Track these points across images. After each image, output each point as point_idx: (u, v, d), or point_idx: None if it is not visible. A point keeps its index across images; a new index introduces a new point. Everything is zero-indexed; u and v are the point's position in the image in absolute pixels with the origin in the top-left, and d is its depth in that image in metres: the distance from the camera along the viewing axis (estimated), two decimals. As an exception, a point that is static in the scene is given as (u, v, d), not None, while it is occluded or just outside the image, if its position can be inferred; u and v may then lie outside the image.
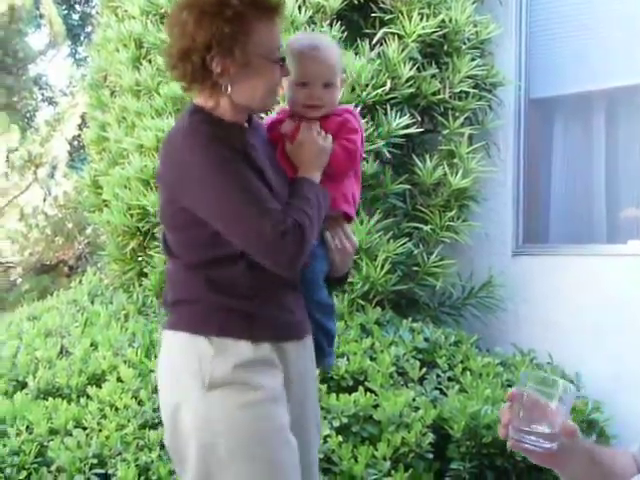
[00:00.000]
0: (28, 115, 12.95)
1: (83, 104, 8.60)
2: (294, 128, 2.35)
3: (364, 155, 2.49)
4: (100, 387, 4.23)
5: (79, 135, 11.98)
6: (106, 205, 5.39)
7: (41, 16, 12.44)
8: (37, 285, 9.94)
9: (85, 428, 3.98)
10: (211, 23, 2.10)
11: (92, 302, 5.54)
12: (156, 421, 3.81)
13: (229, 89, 2.16)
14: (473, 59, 5.05)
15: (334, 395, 3.91)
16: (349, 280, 2.57)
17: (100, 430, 3.94)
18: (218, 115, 2.22)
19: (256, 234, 2.11)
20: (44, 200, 10.94)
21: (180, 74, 2.20)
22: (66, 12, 16.01)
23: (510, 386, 4.31)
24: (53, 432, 4.01)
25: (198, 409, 2.15)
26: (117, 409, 4.03)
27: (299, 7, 4.82)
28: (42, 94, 14.83)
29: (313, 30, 4.78)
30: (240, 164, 2.13)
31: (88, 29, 16.09)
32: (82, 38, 16.62)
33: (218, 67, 2.14)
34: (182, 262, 2.25)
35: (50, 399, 4.25)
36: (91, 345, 4.70)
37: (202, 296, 2.20)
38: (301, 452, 2.24)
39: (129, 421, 3.92)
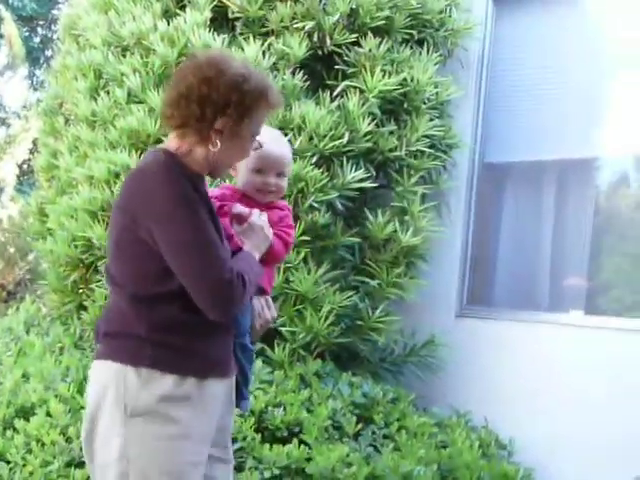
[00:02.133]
0: (-21, 135, 12.76)
1: (36, 129, 8.49)
2: (246, 213, 2.56)
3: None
4: (28, 420, 4.12)
5: (29, 160, 11.85)
6: (50, 234, 5.29)
7: (1, 36, 12.32)
8: (-28, 308, 9.70)
9: (9, 462, 3.88)
10: (239, 87, 2.27)
11: (27, 332, 5.41)
12: (83, 460, 3.70)
13: (218, 146, 2.30)
14: (432, 119, 5.10)
15: (267, 445, 3.86)
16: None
17: (24, 465, 3.85)
18: (186, 161, 2.33)
19: (206, 276, 2.21)
20: (-12, 222, 10.73)
21: (179, 114, 2.29)
22: (27, 34, 15.90)
23: (444, 447, 4.30)
24: (-25, 464, 3.89)
25: (119, 435, 2.25)
26: (44, 444, 3.93)
27: (263, 52, 4.83)
28: (-5, 115, 14.65)
29: (275, 77, 4.80)
30: (202, 208, 2.24)
31: (48, 53, 16.00)
32: (42, 62, 16.49)
33: (220, 125, 2.29)
34: (124, 293, 2.32)
35: (-25, 430, 4.13)
36: (23, 376, 4.58)
37: (136, 330, 2.28)
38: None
39: (55, 458, 3.83)
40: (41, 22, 16.76)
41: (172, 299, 2.26)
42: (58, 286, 5.31)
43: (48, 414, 4.13)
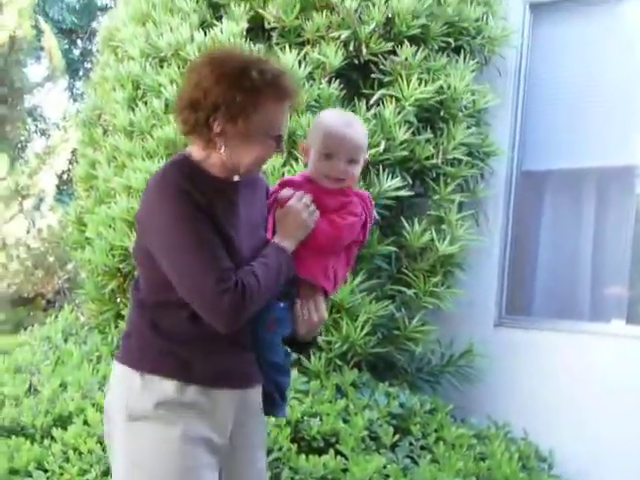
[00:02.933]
0: (19, 146, 12.92)
1: (75, 140, 8.58)
2: (288, 196, 2.42)
3: (364, 241, 2.53)
4: (65, 429, 4.13)
5: (69, 170, 11.98)
6: (89, 243, 5.33)
7: (42, 48, 12.48)
8: (13, 317, 9.83)
9: (46, 470, 3.89)
10: (227, 87, 2.20)
11: (65, 340, 5.45)
12: (120, 469, 3.71)
13: (222, 149, 2.26)
14: (468, 127, 5.07)
15: (304, 456, 3.84)
16: (317, 344, 2.66)
17: (62, 474, 3.85)
18: (206, 166, 2.30)
19: (197, 288, 2.19)
20: (28, 232, 10.86)
21: (183, 121, 2.29)
22: (67, 46, 16.09)
23: (483, 460, 4.25)
24: (13, 472, 3.92)
25: (122, 438, 2.29)
26: (81, 453, 3.94)
27: (299, 62, 4.83)
28: (36, 126, 14.84)
29: (311, 86, 4.80)
30: (199, 221, 2.20)
31: (88, 65, 16.18)
32: (81, 74, 16.69)
33: (218, 128, 2.24)
34: (137, 299, 2.36)
35: (14, 437, 4.16)
36: (60, 385, 4.61)
37: (144, 334, 2.31)
38: None
39: (92, 467, 3.84)
40: (81, 35, 16.97)
41: (179, 308, 2.25)
42: (96, 295, 5.35)
43: (85, 423, 4.15)
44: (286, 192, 2.44)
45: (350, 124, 2.46)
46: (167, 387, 2.26)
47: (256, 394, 2.44)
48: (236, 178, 2.35)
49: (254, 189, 2.44)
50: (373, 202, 2.57)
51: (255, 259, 2.29)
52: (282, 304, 2.39)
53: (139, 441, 2.26)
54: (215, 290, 2.16)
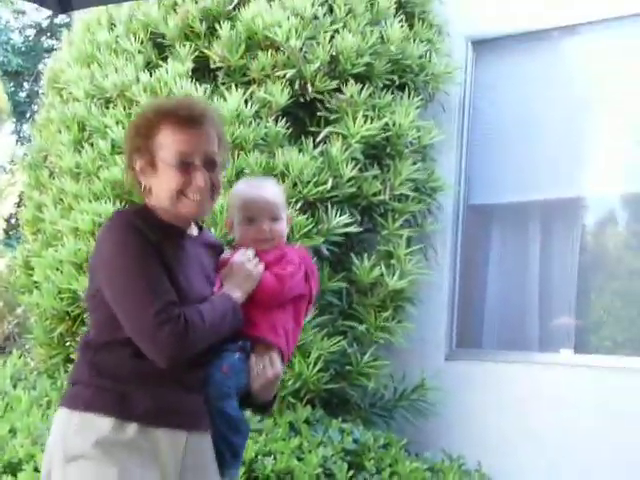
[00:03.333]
0: (-34, 190, 12.76)
1: (22, 183, 8.50)
2: (231, 254, 2.46)
3: (311, 292, 2.51)
4: (15, 476, 4.05)
5: (16, 213, 11.83)
6: (37, 287, 5.27)
7: (-13, 92, 12.40)
8: (-39, 363, 9.61)
9: (-5, 520, 3.81)
10: (132, 134, 2.34)
11: (14, 386, 5.34)
12: (70, 516, 3.64)
13: (147, 187, 2.32)
14: (415, 163, 5.13)
15: (258, 495, 3.81)
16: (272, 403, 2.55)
17: (11, 522, 3.77)
18: (158, 214, 2.33)
19: (138, 318, 2.18)
20: (-25, 277, 10.68)
21: (134, 187, 2.38)
22: (13, 89, 15.98)
23: (438, 493, 4.25)
24: (-40, 523, 3.83)
25: (59, 479, 2.21)
26: (35, 501, 3.86)
27: (245, 101, 4.86)
28: (-18, 170, 14.68)
29: (258, 125, 4.83)
30: (147, 254, 2.21)
31: (34, 107, 16.06)
32: (28, 116, 16.56)
33: (137, 165, 2.31)
34: (85, 341, 2.35)
35: (-39, 486, 4.07)
36: (10, 431, 4.51)
37: (83, 375, 2.29)
38: None
39: (42, 514, 3.75)
40: (27, 77, 16.86)
41: (122, 346, 2.22)
42: (44, 339, 5.29)
43: (36, 469, 4.06)
44: (226, 253, 2.48)
45: (262, 186, 2.56)
46: (103, 425, 2.19)
47: (208, 442, 2.34)
48: (193, 232, 2.40)
49: (208, 249, 2.45)
50: (310, 255, 2.59)
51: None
52: (236, 355, 2.35)
53: None
54: (156, 320, 2.14)
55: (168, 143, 2.28)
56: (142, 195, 2.37)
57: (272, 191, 2.53)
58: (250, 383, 2.37)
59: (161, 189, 2.29)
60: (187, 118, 2.30)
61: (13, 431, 4.52)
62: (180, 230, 2.36)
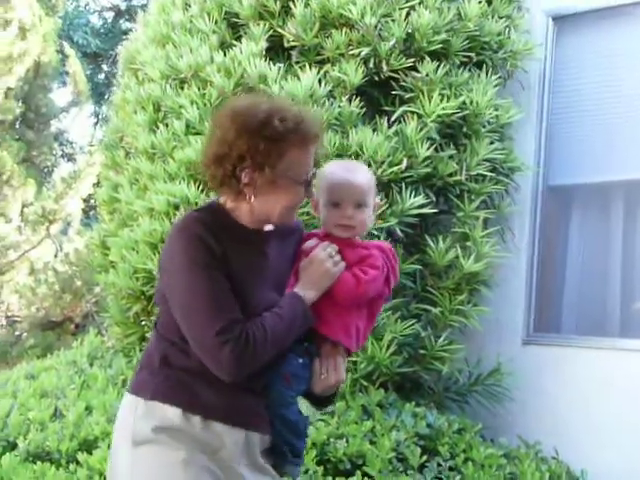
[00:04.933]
0: (46, 170, 13.01)
1: (99, 163, 8.62)
2: (314, 246, 2.40)
3: (389, 291, 2.45)
4: (91, 453, 4.10)
5: (95, 194, 12.03)
6: (113, 266, 5.32)
7: (67, 73, 12.58)
8: (42, 341, 9.85)
9: (72, 496, 3.86)
10: (249, 138, 2.22)
11: (91, 364, 5.44)
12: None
13: (252, 199, 2.28)
14: (492, 142, 5.02)
15: (330, 478, 3.79)
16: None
17: (86, 499, 3.81)
18: (235, 216, 2.33)
19: (199, 338, 2.21)
20: (55, 256, 10.92)
21: (211, 176, 2.31)
22: (92, 71, 16.23)
23: (513, 480, 4.17)
24: (38, 498, 3.89)
25: (127, 464, 2.28)
26: (106, 478, 3.89)
27: (319, 80, 4.81)
28: (62, 150, 14.94)
29: (332, 104, 4.77)
30: (212, 269, 2.21)
31: (113, 89, 16.28)
32: (107, 97, 16.80)
33: (246, 178, 2.25)
34: (158, 333, 2.38)
35: (39, 463, 4.13)
36: (86, 409, 4.59)
37: (154, 365, 2.32)
38: None
39: (116, 492, 3.79)
40: (105, 59, 17.11)
41: (188, 347, 2.25)
42: (120, 318, 5.34)
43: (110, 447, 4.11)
44: (311, 242, 2.42)
45: (351, 170, 2.46)
46: (169, 413, 2.26)
47: (265, 444, 2.36)
48: (268, 227, 2.37)
49: (285, 239, 2.43)
50: (396, 255, 2.49)
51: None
52: (300, 360, 2.35)
53: (142, 465, 2.26)
54: (217, 340, 2.16)
55: (298, 162, 2.27)
56: (220, 190, 2.33)
57: (361, 176, 2.44)
58: (311, 385, 2.39)
59: (277, 203, 2.28)
60: (314, 136, 2.29)
61: (89, 409, 4.59)
62: (260, 234, 2.35)
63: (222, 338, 2.16)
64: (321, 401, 2.49)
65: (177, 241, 2.25)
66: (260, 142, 2.21)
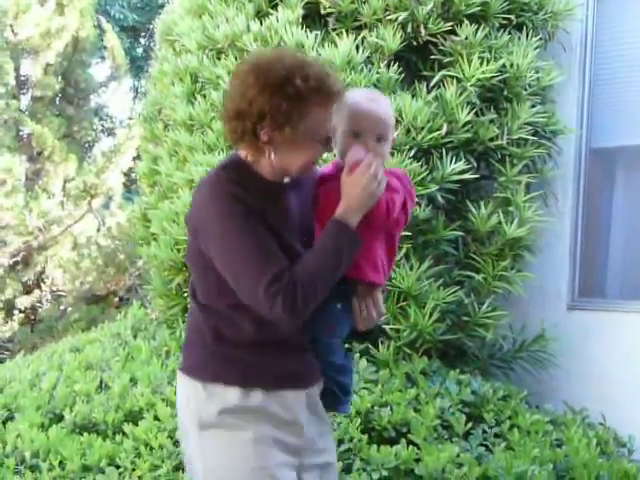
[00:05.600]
0: (87, 145, 13.09)
1: (139, 137, 8.64)
2: (358, 161, 2.27)
3: (406, 219, 2.40)
4: (136, 424, 4.15)
5: (135, 168, 12.09)
6: (154, 239, 5.34)
7: (104, 47, 12.61)
8: (86, 315, 9.96)
9: (118, 467, 3.90)
10: (271, 96, 2.18)
11: (135, 336, 5.49)
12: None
13: (272, 156, 2.25)
14: (533, 106, 4.94)
15: (375, 446, 3.78)
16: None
17: (134, 469, 3.86)
18: (255, 170, 2.30)
19: (249, 292, 2.20)
20: (98, 230, 11.01)
21: (230, 130, 2.28)
22: (130, 45, 16.24)
23: (560, 446, 4.14)
24: (86, 469, 3.95)
25: (197, 448, 2.32)
26: (152, 448, 3.94)
27: (357, 47, 4.76)
28: (102, 125, 15.01)
29: (370, 71, 4.72)
30: (251, 223, 2.20)
31: (151, 62, 16.29)
32: (145, 71, 16.84)
33: (265, 136, 2.22)
34: (198, 305, 2.36)
35: (85, 434, 4.19)
36: (130, 381, 4.63)
37: (207, 342, 2.31)
38: None
39: (163, 462, 3.84)
40: (143, 32, 17.12)
41: (240, 314, 2.26)
42: (163, 290, 5.37)
43: (156, 418, 4.15)
44: (359, 152, 2.28)
45: (375, 100, 2.37)
46: (231, 394, 2.27)
47: (316, 392, 2.44)
48: (286, 180, 2.34)
49: (302, 187, 2.40)
50: (411, 180, 2.45)
51: (312, 248, 2.26)
52: (339, 305, 2.35)
53: (212, 448, 2.28)
54: (268, 293, 2.15)
55: (319, 121, 2.24)
56: (240, 145, 2.30)
57: (385, 108, 2.37)
58: (355, 324, 2.41)
59: (297, 160, 2.26)
60: (337, 94, 2.25)
61: (134, 380, 4.63)
62: (279, 186, 2.33)
63: (272, 290, 2.14)
64: (365, 333, 2.55)
65: (212, 201, 2.22)
66: (282, 102, 2.17)
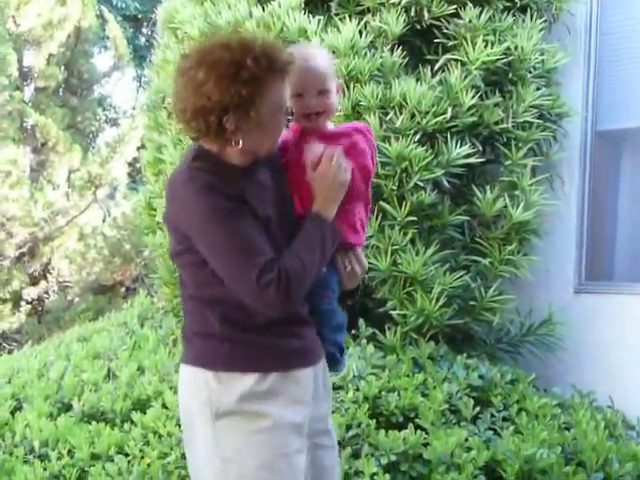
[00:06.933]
0: (91, 136, 13.08)
1: (143, 125, 8.64)
2: (319, 155, 2.36)
3: (372, 177, 2.51)
4: (144, 413, 4.17)
5: (139, 157, 12.09)
6: (160, 228, 5.34)
7: (107, 37, 12.60)
8: (93, 305, 9.99)
9: (127, 455, 3.92)
10: (229, 85, 2.15)
11: (142, 325, 5.50)
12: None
13: (240, 143, 2.23)
14: (538, 88, 4.91)
15: (383, 431, 3.79)
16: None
17: (142, 457, 3.88)
18: (222, 158, 2.27)
19: (241, 286, 2.19)
20: (103, 221, 11.02)
21: (194, 130, 2.24)
22: (132, 34, 16.18)
23: (568, 429, 4.14)
24: (95, 457, 3.97)
25: (210, 437, 2.26)
26: (160, 436, 3.96)
27: (360, 32, 4.73)
28: (106, 115, 14.99)
29: (374, 55, 4.70)
30: (234, 213, 2.19)
31: (154, 51, 16.25)
32: (148, 60, 16.80)
33: (232, 126, 2.20)
34: (198, 297, 2.32)
35: (94, 423, 4.21)
36: (138, 369, 4.65)
37: (214, 330, 2.28)
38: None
39: (172, 449, 3.85)
40: (145, 21, 17.06)
41: (239, 299, 2.24)
42: (169, 279, 5.36)
43: (164, 406, 4.17)
44: (315, 149, 2.37)
45: (308, 57, 2.39)
46: (245, 381, 2.24)
47: (322, 369, 2.45)
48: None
49: (269, 163, 2.38)
50: (372, 131, 2.53)
51: (295, 235, 2.27)
52: (325, 269, 2.37)
53: (229, 437, 2.24)
54: (259, 285, 2.15)
55: (280, 94, 2.25)
56: (204, 140, 2.26)
57: (320, 62, 2.41)
58: (342, 283, 2.46)
59: (264, 139, 2.26)
60: (288, 64, 2.24)
61: (141, 369, 4.65)
62: (253, 168, 2.31)
63: (263, 281, 2.14)
64: (351, 292, 2.60)
65: (189, 196, 2.19)
66: (240, 88, 2.14)
